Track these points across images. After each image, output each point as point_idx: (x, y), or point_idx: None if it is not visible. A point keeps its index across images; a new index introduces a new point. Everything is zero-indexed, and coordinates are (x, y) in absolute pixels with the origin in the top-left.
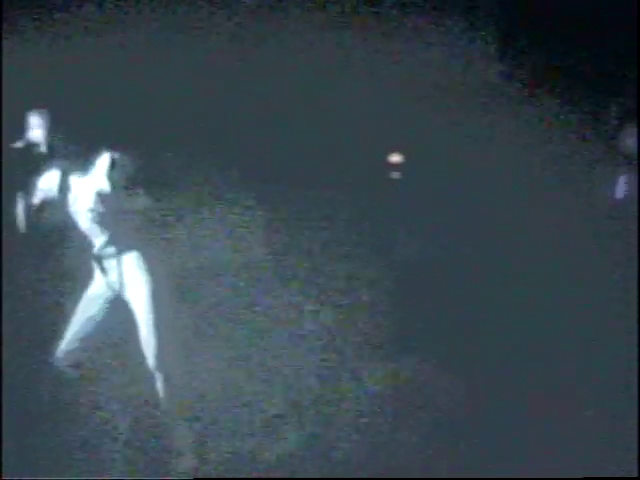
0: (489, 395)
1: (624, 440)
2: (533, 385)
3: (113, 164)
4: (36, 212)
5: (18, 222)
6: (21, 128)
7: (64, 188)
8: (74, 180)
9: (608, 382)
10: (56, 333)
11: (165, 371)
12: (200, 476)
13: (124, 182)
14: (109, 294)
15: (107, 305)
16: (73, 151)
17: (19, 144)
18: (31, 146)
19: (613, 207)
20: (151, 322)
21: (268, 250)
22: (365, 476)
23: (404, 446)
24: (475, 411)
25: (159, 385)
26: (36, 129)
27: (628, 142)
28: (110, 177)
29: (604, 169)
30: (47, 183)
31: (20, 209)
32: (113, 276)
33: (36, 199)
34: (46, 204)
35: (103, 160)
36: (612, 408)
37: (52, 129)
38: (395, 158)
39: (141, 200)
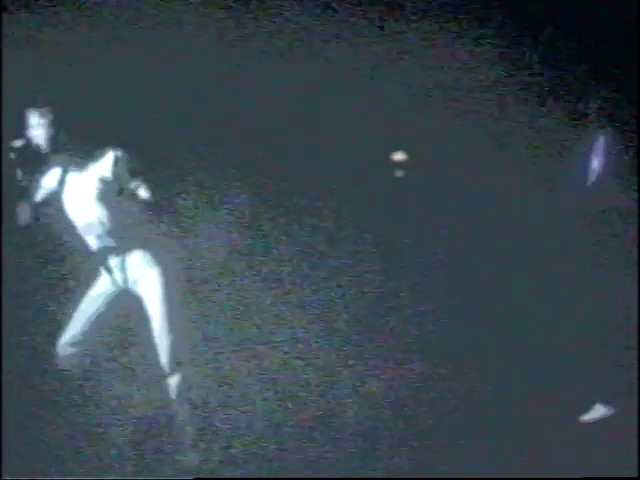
0: (490, 395)
1: (624, 440)
2: (534, 385)
3: (116, 162)
4: (37, 211)
5: (19, 221)
6: (21, 127)
7: (66, 186)
8: (76, 178)
9: (608, 382)
10: (57, 332)
11: (177, 367)
12: (202, 475)
13: (127, 180)
14: (112, 291)
15: (110, 302)
16: (75, 149)
17: (19, 143)
18: (31, 145)
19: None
20: (164, 318)
21: (272, 249)
22: (366, 476)
23: (405, 447)
24: (476, 411)
25: (171, 381)
26: (37, 128)
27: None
28: (113, 175)
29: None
30: (48, 181)
31: (21, 208)
32: (118, 273)
33: (37, 197)
34: (47, 202)
35: (106, 158)
36: (612, 408)
37: (53, 127)
38: (398, 156)
39: (144, 197)
